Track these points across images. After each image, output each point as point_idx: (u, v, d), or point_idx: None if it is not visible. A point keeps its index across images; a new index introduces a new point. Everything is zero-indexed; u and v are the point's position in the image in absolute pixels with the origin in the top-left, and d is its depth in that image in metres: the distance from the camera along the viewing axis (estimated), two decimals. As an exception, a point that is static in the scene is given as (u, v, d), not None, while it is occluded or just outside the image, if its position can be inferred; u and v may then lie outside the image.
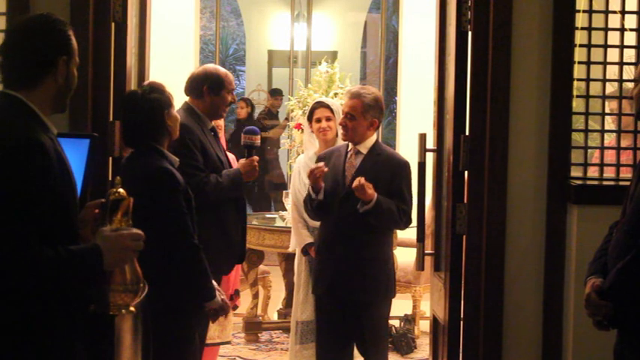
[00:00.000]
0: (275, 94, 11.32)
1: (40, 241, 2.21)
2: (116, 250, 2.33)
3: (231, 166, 4.36)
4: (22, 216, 2.20)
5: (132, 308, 2.46)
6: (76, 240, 2.36)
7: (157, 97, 3.57)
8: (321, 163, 4.31)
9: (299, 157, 5.35)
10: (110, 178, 3.94)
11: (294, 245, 5.24)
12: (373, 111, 4.32)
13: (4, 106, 2.36)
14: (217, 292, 3.63)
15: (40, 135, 2.28)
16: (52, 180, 2.26)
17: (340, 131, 4.44)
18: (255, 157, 4.34)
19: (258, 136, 4.43)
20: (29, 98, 2.35)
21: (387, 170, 4.31)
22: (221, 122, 4.65)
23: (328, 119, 4.89)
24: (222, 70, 4.40)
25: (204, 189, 4.03)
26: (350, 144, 4.40)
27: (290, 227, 6.01)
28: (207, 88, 4.25)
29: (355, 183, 4.13)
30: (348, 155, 4.38)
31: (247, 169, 4.27)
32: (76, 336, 2.36)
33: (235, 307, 4.91)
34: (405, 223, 4.35)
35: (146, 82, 3.70)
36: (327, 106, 4.90)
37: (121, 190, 2.44)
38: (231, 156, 4.69)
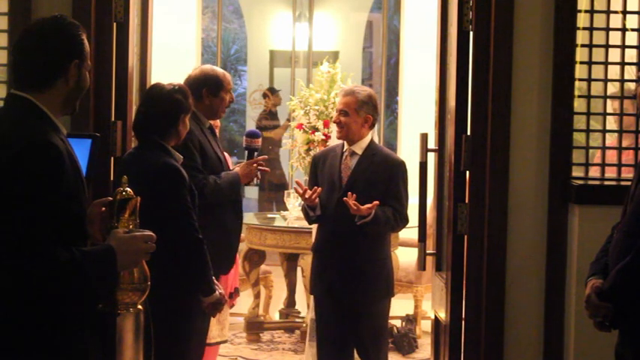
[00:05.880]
0: (273, 92, 11.30)
1: (54, 242, 2.22)
2: (130, 252, 2.36)
3: (226, 166, 4.37)
4: (37, 218, 2.20)
5: (139, 306, 2.49)
6: (85, 239, 2.38)
7: (179, 99, 3.65)
8: (316, 188, 4.28)
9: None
10: (112, 178, 3.95)
11: None
12: (367, 107, 4.32)
13: (15, 107, 2.37)
14: (216, 286, 3.71)
15: (52, 136, 2.29)
16: (66, 181, 2.27)
17: (335, 129, 4.44)
18: (259, 158, 4.37)
19: (260, 139, 4.46)
20: (39, 100, 2.36)
21: (384, 171, 4.30)
22: (218, 121, 4.65)
23: None
24: (219, 70, 4.39)
25: (203, 191, 4.03)
26: (345, 144, 4.39)
27: (291, 227, 6.05)
28: (206, 91, 4.24)
29: (350, 205, 4.10)
30: (344, 156, 4.38)
31: (245, 172, 4.29)
32: (85, 334, 2.37)
33: (232, 306, 4.92)
34: (402, 226, 4.38)
35: (175, 83, 3.75)
36: None
37: (128, 189, 2.47)
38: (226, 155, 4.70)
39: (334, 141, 5.01)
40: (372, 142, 4.40)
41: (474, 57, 3.95)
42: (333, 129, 5.04)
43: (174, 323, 3.52)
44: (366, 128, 4.35)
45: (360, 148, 4.35)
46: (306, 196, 4.26)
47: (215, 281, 3.72)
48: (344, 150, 4.39)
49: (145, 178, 3.32)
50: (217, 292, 3.67)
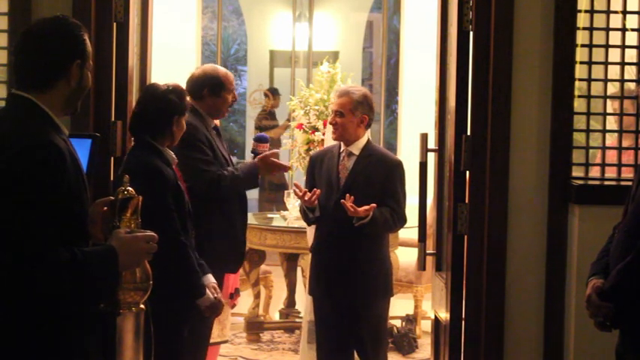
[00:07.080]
0: (274, 92, 11.33)
1: (56, 243, 2.22)
2: (131, 252, 2.36)
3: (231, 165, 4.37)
4: (38, 218, 2.20)
5: (142, 306, 2.49)
6: (87, 239, 2.38)
7: (173, 100, 3.61)
8: (315, 190, 4.29)
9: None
10: (112, 178, 3.96)
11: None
12: (362, 107, 4.31)
13: (16, 107, 2.37)
14: (212, 289, 3.65)
15: (53, 136, 2.30)
16: (67, 181, 2.27)
17: (330, 130, 4.45)
18: (273, 151, 4.41)
19: (267, 145, 4.46)
20: (41, 100, 2.36)
21: (381, 171, 4.30)
22: (217, 122, 4.65)
23: None
24: (221, 70, 4.39)
25: (221, 183, 4.05)
26: (342, 145, 4.39)
27: (291, 227, 6.05)
28: (207, 91, 4.25)
29: (347, 207, 4.10)
30: (341, 157, 4.38)
31: (266, 161, 4.31)
32: (85, 335, 2.37)
33: (233, 306, 4.93)
34: (399, 227, 4.39)
35: (171, 84, 3.71)
36: None
37: (129, 188, 2.46)
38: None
39: (329, 141, 5.01)
40: (368, 142, 4.40)
41: (474, 57, 3.95)
42: (329, 129, 5.06)
43: (173, 323, 3.51)
44: (362, 128, 4.36)
45: (357, 148, 4.35)
46: (306, 198, 4.26)
47: (212, 284, 3.67)
48: (341, 151, 4.39)
49: (131, 179, 3.31)
50: (211, 295, 3.62)
